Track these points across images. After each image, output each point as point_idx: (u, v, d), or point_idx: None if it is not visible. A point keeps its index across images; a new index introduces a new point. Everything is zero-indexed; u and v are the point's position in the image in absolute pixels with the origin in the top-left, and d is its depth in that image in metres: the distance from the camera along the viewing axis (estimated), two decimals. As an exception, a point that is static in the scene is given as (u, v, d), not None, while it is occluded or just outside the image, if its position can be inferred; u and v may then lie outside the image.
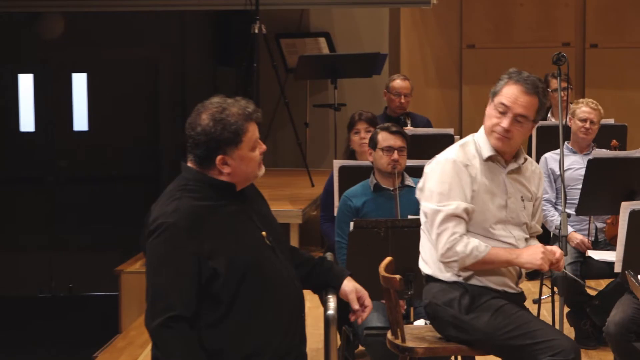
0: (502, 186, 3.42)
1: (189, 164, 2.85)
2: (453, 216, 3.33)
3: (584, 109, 5.23)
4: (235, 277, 2.75)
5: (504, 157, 3.44)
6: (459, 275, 3.40)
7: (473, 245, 3.32)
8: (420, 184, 3.48)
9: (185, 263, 2.70)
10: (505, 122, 3.35)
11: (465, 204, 3.34)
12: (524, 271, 3.48)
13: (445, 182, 3.36)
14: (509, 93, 3.34)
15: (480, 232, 3.39)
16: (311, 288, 3.08)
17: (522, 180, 3.48)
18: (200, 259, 2.71)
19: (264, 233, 2.84)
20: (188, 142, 2.82)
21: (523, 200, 3.46)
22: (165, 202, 2.78)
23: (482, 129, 3.46)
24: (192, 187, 2.79)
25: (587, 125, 5.24)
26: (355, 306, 3.00)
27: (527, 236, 3.50)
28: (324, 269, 3.04)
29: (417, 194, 3.49)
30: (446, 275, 3.42)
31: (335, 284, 3.02)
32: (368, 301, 3.02)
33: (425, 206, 3.42)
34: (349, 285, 3.02)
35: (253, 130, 2.81)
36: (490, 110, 3.39)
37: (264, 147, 2.87)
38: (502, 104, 3.35)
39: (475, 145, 3.43)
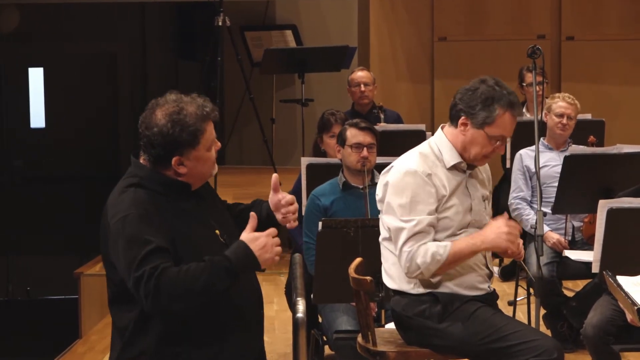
0: (465, 190, 3.38)
1: (142, 161, 2.79)
2: (416, 233, 3.27)
3: (560, 104, 5.15)
4: None
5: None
6: (427, 285, 3.34)
7: (432, 252, 3.26)
8: (379, 194, 3.40)
9: (154, 233, 2.65)
10: (502, 149, 3.35)
11: (429, 218, 3.28)
12: (492, 269, 3.42)
13: (408, 196, 3.29)
14: (507, 124, 3.31)
15: (440, 237, 3.32)
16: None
17: (478, 180, 3.44)
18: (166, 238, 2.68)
19: (217, 231, 2.82)
20: (142, 140, 2.76)
21: (484, 201, 3.43)
22: (119, 198, 2.74)
23: (440, 135, 3.39)
24: (145, 184, 2.76)
25: (564, 120, 5.16)
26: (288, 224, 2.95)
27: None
28: (257, 203, 3.02)
29: (378, 205, 3.42)
30: (414, 289, 3.36)
31: (261, 210, 2.98)
32: (285, 198, 2.96)
33: (388, 221, 3.34)
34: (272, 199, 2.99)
35: (210, 130, 2.79)
36: (480, 139, 3.31)
37: (219, 145, 2.84)
38: (502, 136, 3.33)
39: (434, 152, 3.37)
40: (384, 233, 3.40)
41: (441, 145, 3.36)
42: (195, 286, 2.62)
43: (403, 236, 3.27)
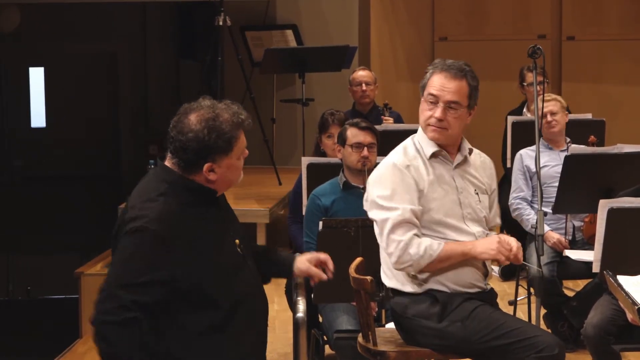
0: (451, 182, 3.38)
1: (168, 164, 2.77)
2: (401, 222, 3.28)
3: (540, 105, 5.18)
4: (210, 288, 2.72)
5: (447, 150, 3.40)
6: (420, 283, 3.35)
7: (426, 245, 3.28)
8: (365, 196, 3.42)
9: (157, 271, 2.65)
10: (437, 112, 3.34)
11: (411, 207, 3.29)
12: (489, 268, 3.42)
13: (388, 188, 3.32)
14: (436, 82, 3.35)
15: (435, 234, 3.34)
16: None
17: (472, 172, 3.44)
18: (175, 269, 2.67)
19: (237, 241, 2.82)
20: (173, 144, 2.75)
21: (477, 194, 3.42)
22: (146, 204, 2.71)
23: (420, 129, 3.44)
24: (174, 191, 2.73)
25: (549, 118, 5.18)
26: (323, 276, 3.00)
27: (488, 232, 3.45)
28: (269, 260, 3.03)
29: (364, 206, 3.43)
30: (412, 288, 3.37)
31: (287, 273, 3.02)
32: (323, 257, 3.02)
33: (372, 215, 3.37)
34: (301, 264, 3.00)
35: (243, 139, 2.79)
36: (422, 105, 3.39)
37: (246, 153, 2.84)
38: (431, 94, 3.36)
39: (415, 146, 3.40)
40: (377, 231, 3.41)
41: (420, 137, 3.41)
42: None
43: (388, 225, 3.29)
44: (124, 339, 2.61)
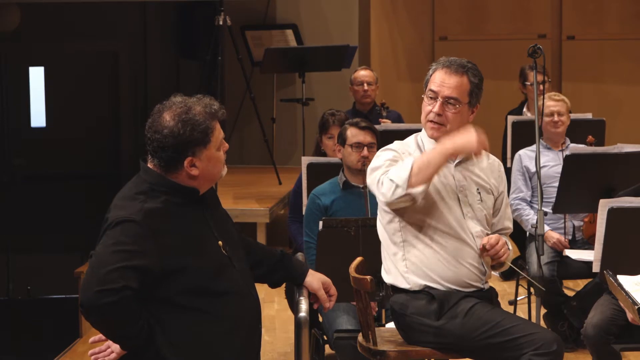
0: (451, 180, 3.38)
1: (150, 166, 2.77)
2: (384, 174, 3.29)
3: (548, 103, 5.19)
4: (189, 290, 2.71)
5: None
6: (420, 280, 3.34)
7: (390, 174, 3.26)
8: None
9: (139, 256, 2.64)
10: (436, 107, 3.36)
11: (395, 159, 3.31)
12: (487, 268, 3.41)
13: (380, 161, 3.35)
14: (437, 78, 3.38)
15: (432, 229, 3.33)
16: (270, 284, 3.07)
17: (476, 171, 3.43)
18: (157, 260, 2.66)
19: (220, 242, 2.80)
20: (151, 145, 2.74)
21: (480, 192, 3.40)
22: (127, 202, 2.71)
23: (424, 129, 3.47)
24: (155, 192, 2.73)
25: (555, 118, 5.18)
26: (326, 304, 3.01)
27: (488, 232, 3.42)
28: (284, 267, 3.03)
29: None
30: (408, 284, 3.38)
31: (297, 282, 3.02)
32: (333, 290, 3.03)
33: (371, 188, 3.39)
34: (314, 281, 3.00)
35: (219, 129, 2.78)
36: (424, 101, 3.42)
37: (226, 146, 2.82)
38: (431, 90, 3.38)
39: (417, 142, 3.43)
40: (379, 227, 3.44)
41: (423, 135, 3.44)
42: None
43: (377, 177, 3.30)
44: (121, 314, 2.61)
